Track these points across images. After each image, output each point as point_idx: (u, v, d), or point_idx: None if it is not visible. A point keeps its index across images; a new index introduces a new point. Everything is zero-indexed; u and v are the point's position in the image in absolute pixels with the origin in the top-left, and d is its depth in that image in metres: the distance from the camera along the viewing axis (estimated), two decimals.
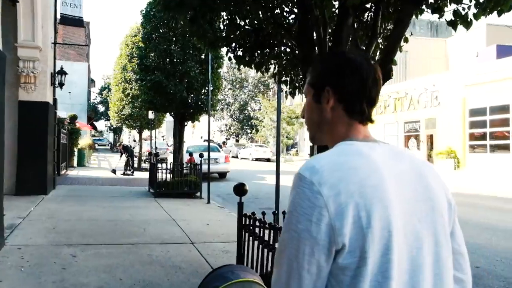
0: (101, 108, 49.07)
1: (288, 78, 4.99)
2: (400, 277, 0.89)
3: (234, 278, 1.55)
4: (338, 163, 0.91)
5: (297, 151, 38.22)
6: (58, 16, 11.34)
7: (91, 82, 54.23)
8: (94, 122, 47.52)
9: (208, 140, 10.32)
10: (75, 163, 19.98)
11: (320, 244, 0.86)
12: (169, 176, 11.53)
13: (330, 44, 3.79)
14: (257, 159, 32.43)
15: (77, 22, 10.92)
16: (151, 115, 19.01)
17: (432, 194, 0.98)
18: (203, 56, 11.25)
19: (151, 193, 11.49)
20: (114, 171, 18.10)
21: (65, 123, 19.64)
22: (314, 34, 3.90)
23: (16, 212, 7.40)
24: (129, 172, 18.02)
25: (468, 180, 17.40)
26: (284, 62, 4.78)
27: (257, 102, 43.05)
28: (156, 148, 20.64)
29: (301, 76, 4.66)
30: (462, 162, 21.39)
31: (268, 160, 32.36)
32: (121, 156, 18.78)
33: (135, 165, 20.86)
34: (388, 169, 0.94)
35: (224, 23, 4.98)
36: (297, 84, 4.84)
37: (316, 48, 3.85)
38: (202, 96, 10.87)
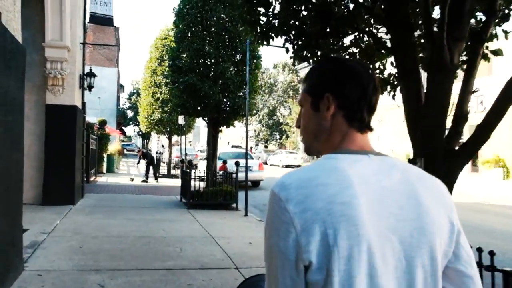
0: (130, 114, 49.23)
1: None
2: None
3: None
4: (307, 180, 0.89)
5: None
6: (88, 16, 10.80)
7: (120, 87, 54.67)
8: (123, 128, 47.69)
9: (246, 148, 9.52)
10: (104, 169, 19.57)
11: (289, 258, 0.86)
12: (202, 184, 10.75)
13: (437, 24, 2.86)
14: (287, 166, 31.47)
15: (107, 21, 10.40)
16: (181, 120, 18.39)
17: (423, 214, 0.92)
18: (239, 56, 10.47)
19: (183, 203, 10.74)
20: (132, 179, 17.61)
21: (94, 129, 19.27)
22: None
23: (40, 226, 6.73)
24: (146, 179, 17.37)
25: None
26: (359, 52, 3.88)
27: (286, 108, 42.14)
28: (186, 154, 19.99)
29: (393, 71, 3.73)
30: None
31: (298, 166, 31.38)
32: (138, 162, 18.20)
33: (165, 171, 20.28)
34: (367, 186, 0.89)
35: (280, 6, 4.12)
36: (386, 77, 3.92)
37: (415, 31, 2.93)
38: (238, 100, 10.07)
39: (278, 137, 41.90)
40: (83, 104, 10.75)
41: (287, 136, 35.98)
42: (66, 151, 9.34)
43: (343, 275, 0.84)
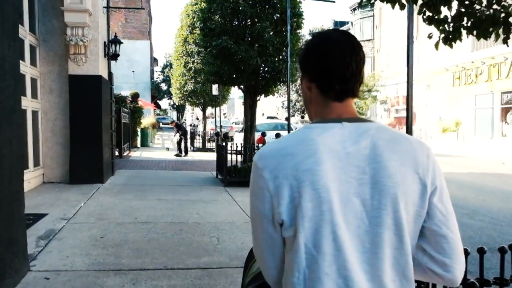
0: (164, 87, 48.84)
1: None
2: (342, 251, 0.96)
3: None
4: (279, 149, 1.02)
5: None
6: None
7: (154, 61, 54.20)
8: (157, 101, 47.47)
9: (289, 118, 8.44)
10: (138, 143, 19.07)
11: (267, 218, 1.02)
12: (239, 159, 9.82)
13: None
14: None
15: None
16: (215, 90, 17.41)
17: (384, 177, 0.98)
18: (278, 15, 9.22)
19: (220, 180, 9.88)
20: (168, 149, 17.00)
21: (127, 102, 18.68)
22: None
23: (62, 210, 6.01)
24: (179, 153, 16.69)
25: None
26: None
27: None
28: (221, 126, 19.12)
29: None
30: None
31: None
32: (175, 135, 17.49)
33: (200, 145, 19.55)
34: (331, 153, 0.98)
35: None
36: None
37: None
38: (278, 64, 8.91)
39: None
40: (110, 74, 9.93)
41: None
42: (92, 125, 8.60)
43: (307, 232, 0.97)
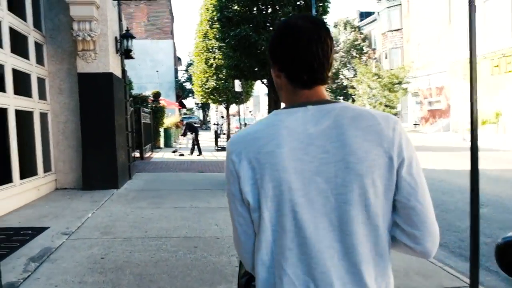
0: (188, 86, 48.58)
1: None
2: (302, 228, 0.99)
3: None
4: (246, 134, 1.07)
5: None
6: None
7: (178, 60, 54.09)
8: (182, 100, 47.26)
9: None
10: (161, 143, 18.56)
11: (237, 199, 1.06)
12: None
13: None
14: None
15: None
16: (238, 87, 16.67)
17: (348, 154, 0.99)
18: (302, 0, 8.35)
19: None
20: (175, 151, 16.34)
21: (148, 101, 18.19)
22: None
23: (66, 222, 5.38)
24: (188, 154, 16.02)
25: None
26: None
27: (350, 69, 39.00)
28: (245, 124, 18.36)
29: None
30: None
31: None
32: (184, 135, 16.82)
33: (224, 143, 18.87)
34: (293, 135, 1.01)
35: None
36: None
37: None
38: None
39: (342, 101, 39.09)
40: (123, 71, 9.30)
41: (353, 100, 33.20)
42: (104, 127, 7.97)
43: (270, 212, 1.01)
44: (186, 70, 49.01)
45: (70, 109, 8.15)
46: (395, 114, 33.26)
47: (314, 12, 7.61)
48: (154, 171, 11.21)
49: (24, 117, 7.09)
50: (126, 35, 8.61)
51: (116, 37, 8.73)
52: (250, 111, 48.84)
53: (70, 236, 4.79)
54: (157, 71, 42.58)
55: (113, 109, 8.04)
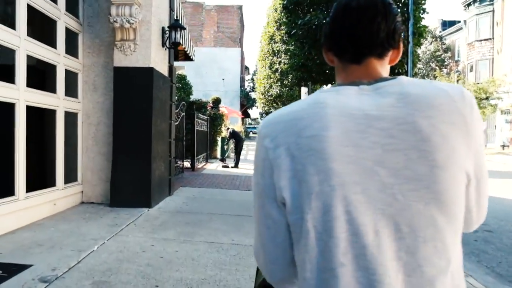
0: (253, 95, 47.63)
1: None
2: (359, 236, 0.76)
3: None
4: (283, 115, 0.87)
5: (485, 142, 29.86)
6: None
7: (245, 69, 53.54)
8: (247, 110, 46.35)
9: None
10: (218, 153, 17.25)
11: (268, 196, 0.85)
12: None
13: None
14: None
15: None
16: (304, 95, 14.93)
17: (421, 140, 0.77)
18: None
19: None
20: (223, 160, 14.84)
21: (207, 107, 17.03)
22: None
23: (58, 258, 3.97)
24: (230, 164, 14.43)
25: None
26: None
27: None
28: None
29: None
30: None
31: None
32: (227, 144, 15.31)
33: None
34: (345, 117, 0.80)
35: None
36: None
37: None
38: None
39: None
40: (171, 68, 7.98)
41: None
42: (139, 132, 6.63)
43: (315, 212, 0.78)
44: (252, 79, 48.12)
45: (104, 110, 6.93)
46: None
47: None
48: (201, 185, 9.76)
49: (42, 116, 5.92)
50: (175, 26, 7.26)
51: (163, 27, 7.43)
52: None
53: (49, 286, 3.33)
54: (223, 79, 42.14)
55: (150, 112, 6.67)
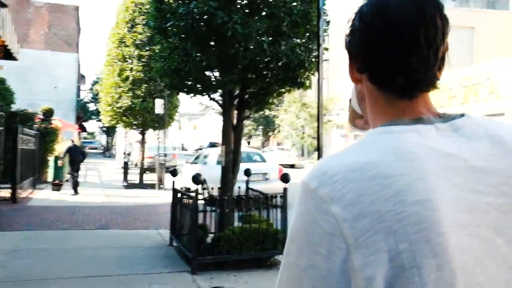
0: (92, 107, 42.90)
1: None
2: None
3: None
4: (359, 168, 0.59)
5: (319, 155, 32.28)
6: None
7: (82, 78, 48.27)
8: (83, 123, 41.48)
9: (319, 141, 4.67)
10: (49, 176, 13.97)
11: (332, 287, 0.57)
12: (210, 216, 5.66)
13: None
14: (280, 165, 26.77)
15: None
16: (159, 108, 13.12)
17: None
18: None
19: (178, 251, 5.68)
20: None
21: (35, 120, 13.71)
22: None
23: None
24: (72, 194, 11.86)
25: None
26: None
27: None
28: (165, 155, 14.66)
29: None
30: None
31: (292, 166, 26.83)
32: (62, 160, 12.79)
33: (136, 179, 14.89)
34: (448, 171, 0.60)
35: None
36: None
37: None
38: (300, 51, 4.88)
39: (266, 131, 36.86)
40: None
41: (279, 131, 31.17)
42: None
43: None
44: (91, 89, 43.38)
45: None
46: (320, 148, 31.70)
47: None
48: (28, 226, 7.11)
49: None
50: None
51: None
52: (158, 138, 44.99)
53: None
54: (55, 87, 36.87)
55: None
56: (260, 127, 36.33)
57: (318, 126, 4.53)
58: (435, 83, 0.68)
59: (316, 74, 5.23)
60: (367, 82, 0.71)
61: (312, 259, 0.59)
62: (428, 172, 0.59)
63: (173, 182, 6.48)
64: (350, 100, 0.91)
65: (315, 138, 28.32)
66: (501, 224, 0.60)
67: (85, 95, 45.90)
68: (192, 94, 6.19)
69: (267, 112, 36.24)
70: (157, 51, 6.92)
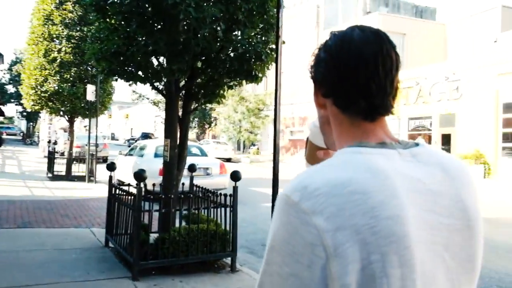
0: (11, 89, 39.33)
1: None
2: None
3: None
4: (340, 184, 0.65)
5: (258, 149, 32.43)
6: None
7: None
8: (0, 106, 37.93)
9: (275, 136, 4.40)
10: None
11: None
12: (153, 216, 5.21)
13: None
14: (216, 159, 26.39)
15: None
16: (90, 94, 12.16)
17: (470, 219, 0.74)
18: None
19: (115, 254, 5.20)
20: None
21: None
22: None
23: None
24: None
25: (501, 190, 14.21)
26: None
27: None
28: (97, 145, 13.67)
29: None
30: (494, 169, 17.45)
31: (229, 160, 26.55)
32: None
33: (62, 170, 13.75)
34: (414, 192, 0.69)
35: None
36: None
37: None
38: (254, 42, 4.52)
39: (202, 123, 36.15)
40: None
41: (215, 124, 30.71)
42: None
43: None
44: (10, 70, 39.69)
45: None
46: (253, 143, 31.74)
47: None
48: None
49: None
50: None
51: None
52: (85, 126, 42.58)
53: None
54: None
55: None
56: (196, 119, 35.54)
57: (275, 122, 4.27)
58: (391, 109, 0.76)
59: (272, 67, 4.97)
60: (332, 106, 0.78)
61: (294, 268, 0.63)
62: (399, 190, 0.66)
63: (110, 177, 5.91)
64: (307, 138, 0.95)
65: (252, 133, 28.38)
66: (449, 242, 0.70)
67: (2, 76, 41.99)
68: (132, 82, 5.66)
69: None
70: (93, 31, 6.25)
